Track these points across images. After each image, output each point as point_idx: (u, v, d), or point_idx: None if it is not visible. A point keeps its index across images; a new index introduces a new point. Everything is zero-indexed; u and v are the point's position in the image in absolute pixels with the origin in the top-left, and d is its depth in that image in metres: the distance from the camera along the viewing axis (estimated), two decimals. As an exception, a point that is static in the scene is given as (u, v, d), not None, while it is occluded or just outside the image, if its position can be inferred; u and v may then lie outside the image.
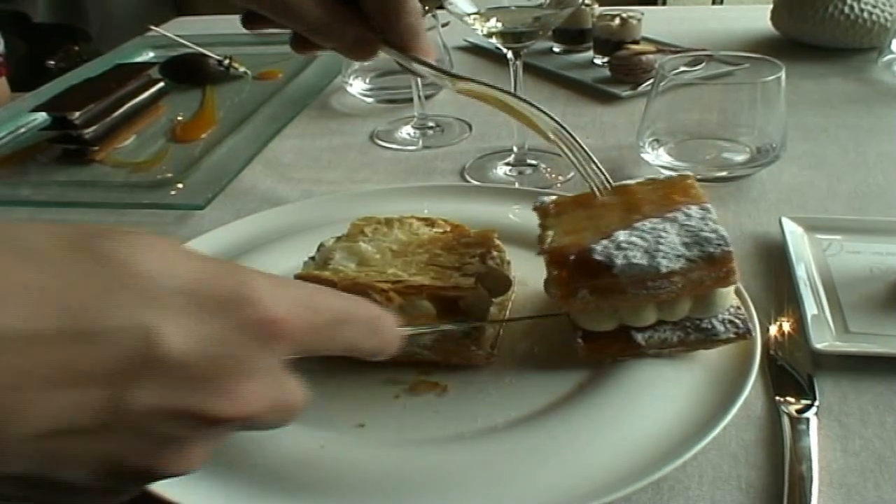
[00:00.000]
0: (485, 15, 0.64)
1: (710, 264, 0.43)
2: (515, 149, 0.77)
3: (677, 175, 0.51)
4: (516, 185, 0.74)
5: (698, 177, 0.51)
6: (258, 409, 0.27)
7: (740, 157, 0.71)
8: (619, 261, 0.43)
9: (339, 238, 0.53)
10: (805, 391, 0.46)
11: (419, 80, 0.86)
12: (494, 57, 1.07)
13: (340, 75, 1.01)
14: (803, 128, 0.81)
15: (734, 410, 0.42)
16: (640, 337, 0.46)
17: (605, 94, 0.94)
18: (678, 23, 1.20)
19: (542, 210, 0.51)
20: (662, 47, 1.00)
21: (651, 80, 0.75)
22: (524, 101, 0.49)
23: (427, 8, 0.79)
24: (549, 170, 0.77)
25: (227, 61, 1.06)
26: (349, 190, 0.75)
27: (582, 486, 0.39)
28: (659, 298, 0.44)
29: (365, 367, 0.36)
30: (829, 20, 0.98)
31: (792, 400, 0.45)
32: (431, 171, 0.80)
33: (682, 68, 0.75)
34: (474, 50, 1.14)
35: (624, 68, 0.95)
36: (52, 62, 1.71)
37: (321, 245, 0.53)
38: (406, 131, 0.89)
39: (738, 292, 0.49)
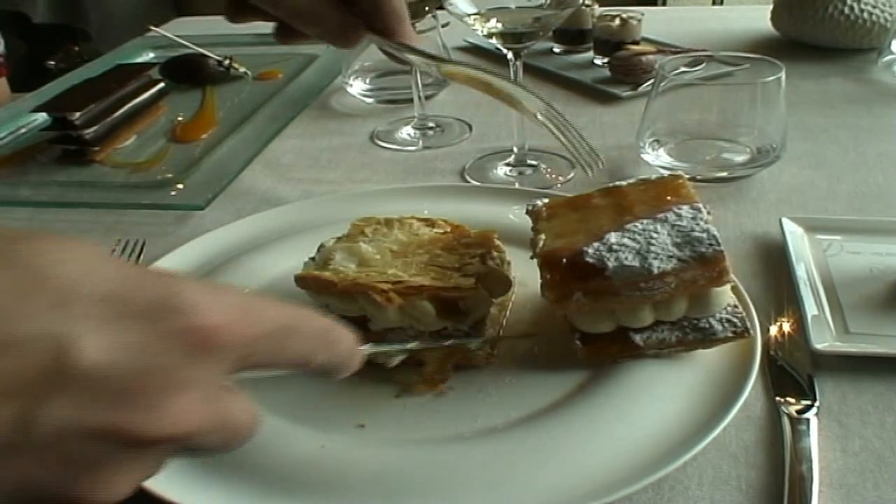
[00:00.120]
0: (485, 15, 0.64)
1: (702, 264, 0.43)
2: (515, 149, 0.77)
3: (668, 175, 0.51)
4: (516, 186, 0.74)
5: (699, 177, 0.51)
6: (193, 428, 0.24)
7: (740, 158, 0.71)
8: (611, 263, 0.43)
9: (339, 238, 0.53)
10: (805, 391, 0.46)
11: (419, 80, 0.86)
12: (494, 57, 1.07)
13: (340, 75, 1.01)
14: (803, 128, 0.81)
15: (734, 411, 0.42)
16: (638, 338, 0.46)
17: (605, 94, 0.94)
18: (678, 23, 1.20)
19: (534, 213, 0.51)
20: (662, 48, 1.01)
21: (651, 81, 0.75)
22: (510, 80, 0.49)
23: (427, 8, 0.79)
24: (549, 170, 0.77)
25: (227, 61, 1.06)
26: (349, 190, 0.75)
27: (582, 486, 0.39)
28: (653, 299, 0.44)
29: (365, 367, 0.36)
30: (829, 20, 0.98)
31: (792, 400, 0.45)
32: (431, 171, 0.80)
33: (682, 69, 0.75)
34: (474, 50, 1.14)
35: (624, 69, 0.95)
36: (52, 62, 1.71)
37: (321, 245, 0.53)
38: (406, 131, 0.89)
39: (737, 292, 0.49)
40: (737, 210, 0.67)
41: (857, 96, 0.90)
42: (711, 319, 0.46)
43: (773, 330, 0.51)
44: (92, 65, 1.15)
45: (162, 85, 0.98)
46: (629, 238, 0.44)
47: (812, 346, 0.48)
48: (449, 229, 0.55)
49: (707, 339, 0.46)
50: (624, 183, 0.51)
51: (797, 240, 0.59)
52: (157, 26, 1.23)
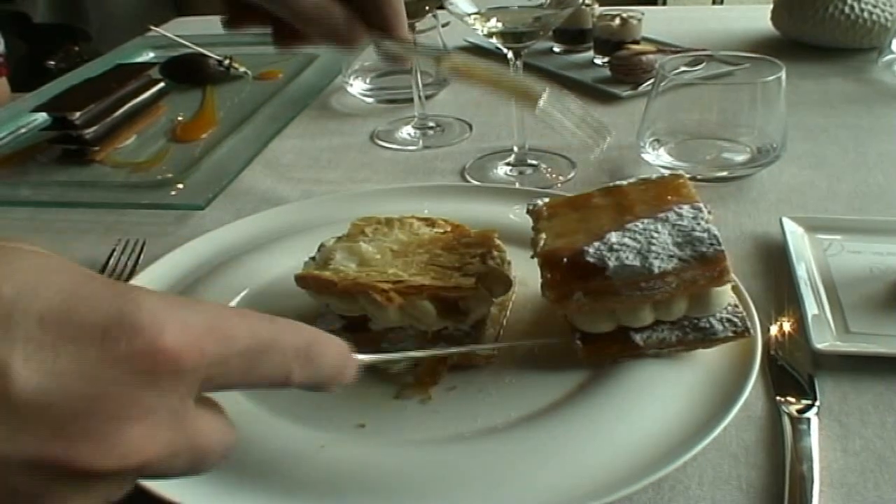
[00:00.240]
0: (485, 15, 0.64)
1: (703, 264, 0.43)
2: (516, 149, 0.77)
3: (669, 174, 0.51)
4: (517, 185, 0.74)
5: (699, 177, 0.51)
6: (150, 456, 0.23)
7: (740, 157, 0.71)
8: (612, 262, 0.43)
9: (339, 238, 0.53)
10: (805, 391, 0.46)
11: (419, 80, 0.86)
12: (495, 57, 1.07)
13: (340, 75, 1.01)
14: (803, 128, 0.81)
15: (734, 410, 0.42)
16: (638, 337, 0.46)
17: (606, 94, 0.94)
18: (678, 23, 1.20)
19: (534, 213, 0.51)
20: (662, 47, 1.01)
21: (651, 81, 0.75)
22: (510, 71, 0.48)
23: (427, 7, 0.78)
24: (549, 170, 0.77)
25: (227, 61, 1.06)
26: (349, 190, 0.75)
27: (582, 486, 0.39)
28: (654, 299, 0.44)
29: (365, 368, 0.36)
30: (829, 20, 0.98)
31: (792, 400, 0.45)
32: (431, 171, 0.80)
33: (683, 68, 0.75)
34: (474, 50, 1.14)
35: (624, 68, 0.95)
36: (52, 62, 1.71)
37: (322, 245, 0.53)
38: (406, 131, 0.89)
39: (737, 292, 0.49)
40: (737, 210, 0.67)
41: (857, 96, 0.90)
42: (712, 319, 0.46)
43: (774, 329, 0.51)
44: (92, 65, 1.15)
45: (162, 85, 0.98)
46: (630, 237, 0.44)
47: (812, 346, 0.48)
48: (449, 229, 0.55)
49: (707, 338, 0.46)
50: (624, 182, 0.51)
51: (797, 239, 0.59)
52: (157, 26, 1.23)
